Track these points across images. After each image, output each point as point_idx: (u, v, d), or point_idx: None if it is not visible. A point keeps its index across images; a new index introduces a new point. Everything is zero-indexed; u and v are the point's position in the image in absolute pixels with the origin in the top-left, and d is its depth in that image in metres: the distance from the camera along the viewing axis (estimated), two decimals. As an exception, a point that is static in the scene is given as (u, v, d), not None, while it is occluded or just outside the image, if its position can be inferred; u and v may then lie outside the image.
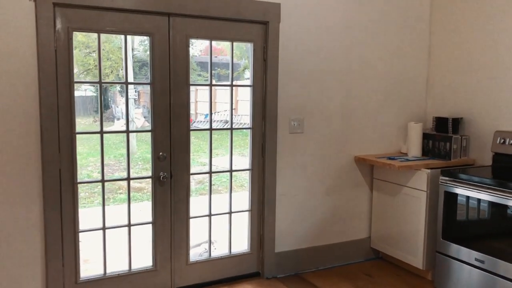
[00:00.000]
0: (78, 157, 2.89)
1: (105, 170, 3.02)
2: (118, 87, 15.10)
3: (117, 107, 15.10)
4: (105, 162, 3.03)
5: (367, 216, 3.92)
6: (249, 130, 3.45)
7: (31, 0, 2.63)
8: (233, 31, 3.26)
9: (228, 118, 3.45)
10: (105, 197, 3.05)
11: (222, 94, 15.29)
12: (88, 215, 5.95)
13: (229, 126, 3.41)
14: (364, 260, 3.93)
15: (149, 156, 3.08)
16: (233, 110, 3.56)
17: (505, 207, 2.88)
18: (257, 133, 3.44)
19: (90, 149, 10.54)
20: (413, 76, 3.99)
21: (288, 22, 3.40)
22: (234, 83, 3.39)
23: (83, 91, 15.56)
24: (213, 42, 3.24)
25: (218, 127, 3.98)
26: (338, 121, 3.70)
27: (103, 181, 3.01)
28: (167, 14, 3.03)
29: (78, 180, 2.91)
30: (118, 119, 14.70)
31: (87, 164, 9.60)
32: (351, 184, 3.82)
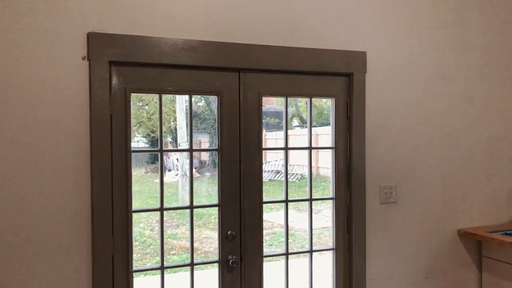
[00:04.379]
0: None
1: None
2: (169, 138, 15.09)
3: (169, 158, 15.02)
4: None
5: (476, 303, 3.19)
6: (331, 200, 2.88)
7: (85, 59, 2.26)
8: (312, 85, 2.78)
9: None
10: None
11: (271, 143, 14.88)
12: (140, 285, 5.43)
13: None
14: None
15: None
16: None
17: None
18: (341, 203, 2.86)
19: (142, 203, 10.20)
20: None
21: (375, 73, 2.89)
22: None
23: (136, 143, 15.61)
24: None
25: (294, 199, 3.39)
26: (436, 187, 3.07)
27: (162, 268, 2.51)
28: (237, 70, 2.60)
29: (134, 268, 2.43)
30: (170, 170, 14.57)
31: (139, 220, 9.23)
32: (454, 264, 3.13)
